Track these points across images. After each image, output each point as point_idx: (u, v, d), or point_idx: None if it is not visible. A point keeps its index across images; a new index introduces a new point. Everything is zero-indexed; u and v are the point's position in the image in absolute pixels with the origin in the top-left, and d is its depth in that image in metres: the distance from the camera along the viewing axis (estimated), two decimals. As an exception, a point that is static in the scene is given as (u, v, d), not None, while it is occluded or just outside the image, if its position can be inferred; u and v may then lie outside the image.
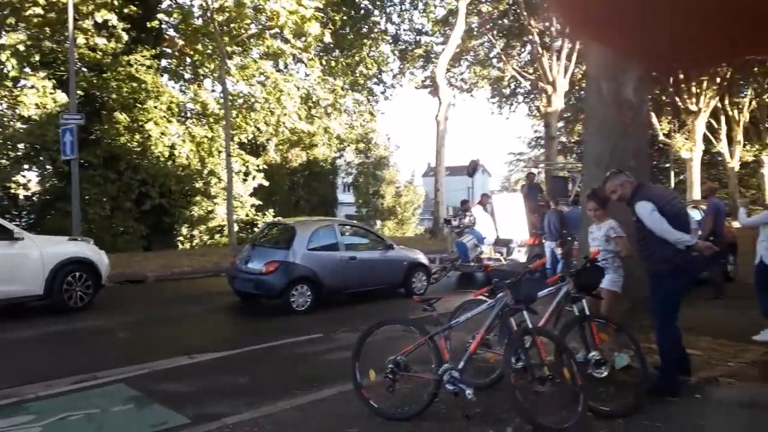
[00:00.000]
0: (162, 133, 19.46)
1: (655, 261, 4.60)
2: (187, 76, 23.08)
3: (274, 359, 6.42)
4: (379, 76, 28.69)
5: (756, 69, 28.08)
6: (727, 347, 5.88)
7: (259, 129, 21.49)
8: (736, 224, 10.84)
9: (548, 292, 5.11)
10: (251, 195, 21.32)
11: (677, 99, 27.98)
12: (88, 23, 17.57)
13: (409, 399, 4.49)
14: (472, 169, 14.62)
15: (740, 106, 30.97)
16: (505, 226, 11.59)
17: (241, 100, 21.09)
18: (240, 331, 8.28)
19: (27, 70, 17.41)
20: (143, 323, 8.43)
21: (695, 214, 10.47)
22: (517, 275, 4.69)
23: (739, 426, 4.22)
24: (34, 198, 19.56)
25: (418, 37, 28.11)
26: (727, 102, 30.34)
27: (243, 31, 17.81)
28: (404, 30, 28.14)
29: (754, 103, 31.01)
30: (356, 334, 5.45)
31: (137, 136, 19.03)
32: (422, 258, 10.77)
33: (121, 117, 18.73)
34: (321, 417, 4.35)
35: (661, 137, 29.95)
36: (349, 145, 28.43)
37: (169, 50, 21.84)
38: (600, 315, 4.96)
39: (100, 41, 17.50)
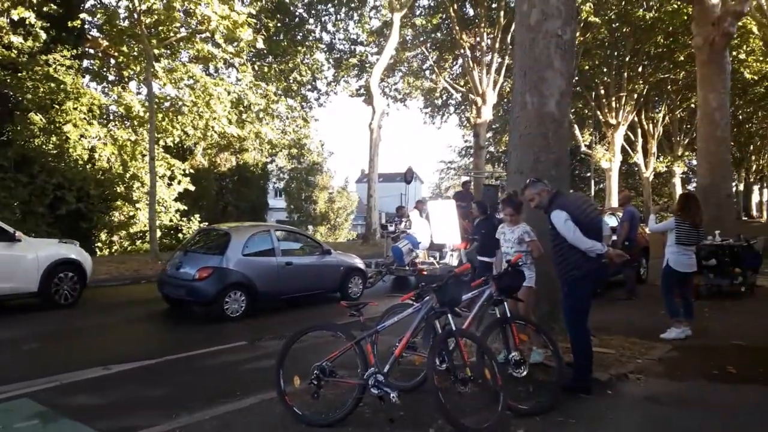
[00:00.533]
0: (81, 136, 18.50)
1: (567, 267, 4.81)
2: (111, 77, 22.08)
3: (196, 369, 6.19)
4: (313, 83, 28.59)
5: (669, 87, 30.16)
6: (638, 345, 6.22)
7: (186, 133, 20.82)
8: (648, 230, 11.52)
9: (472, 295, 5.24)
10: (176, 200, 20.61)
11: (598, 113, 29.53)
12: (2, 21, 16.51)
13: (333, 404, 4.46)
14: (409, 176, 14.83)
15: (655, 121, 33.10)
16: (439, 231, 11.83)
17: (168, 104, 20.37)
18: (160, 340, 7.94)
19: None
20: (53, 334, 7.92)
21: (612, 221, 11.06)
22: (442, 279, 4.76)
23: (644, 419, 4.45)
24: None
25: (352, 47, 28.24)
26: (643, 116, 32.34)
27: (172, 34, 17.23)
28: (339, 39, 28.31)
29: (667, 118, 33.23)
30: (282, 341, 5.36)
31: (54, 139, 18.01)
32: (359, 262, 10.86)
33: (37, 118, 17.68)
34: (242, 426, 4.24)
35: (583, 148, 31.49)
36: (281, 151, 28.06)
37: (92, 51, 20.83)
38: (520, 316, 5.13)
39: (16, 39, 16.44)
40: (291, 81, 26.91)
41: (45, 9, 16.90)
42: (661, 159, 35.89)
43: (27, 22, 16.08)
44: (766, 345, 6.63)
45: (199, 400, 4.94)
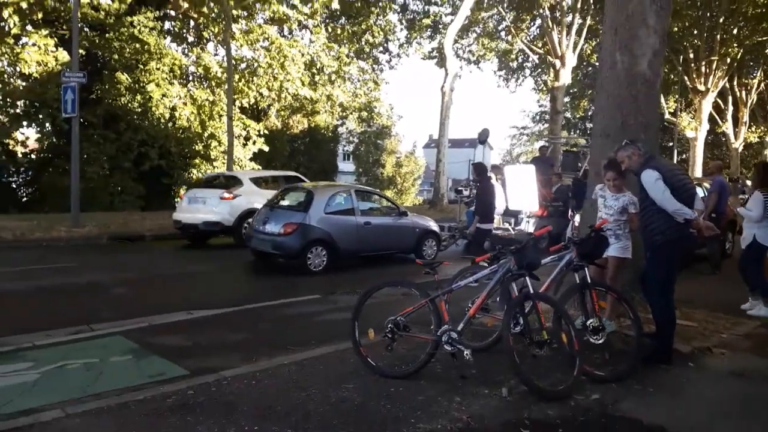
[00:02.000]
0: (163, 95, 19.27)
1: (651, 232, 4.61)
2: (190, 39, 22.74)
3: (273, 318, 6.44)
4: (386, 45, 28.29)
5: (767, 51, 27.73)
6: (722, 320, 5.93)
7: (261, 94, 21.26)
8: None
9: (551, 259, 5.11)
10: (251, 160, 21.21)
11: (686, 78, 27.66)
12: (92, -17, 17.24)
13: (406, 358, 4.52)
14: (483, 136, 14.53)
15: (749, 87, 30.65)
16: (516, 197, 11.63)
17: (244, 65, 20.80)
18: (241, 289, 8.30)
19: (29, 27, 17.12)
20: (141, 280, 8.45)
21: (699, 192, 10.42)
22: (521, 242, 4.66)
23: (726, 393, 4.25)
24: (32, 155, 19.44)
25: (426, 7, 27.60)
26: (735, 83, 30.02)
27: (250, -5, 17.45)
28: (413, -1, 27.60)
29: (762, 84, 30.68)
30: (354, 296, 5.46)
31: (138, 97, 18.85)
32: (433, 225, 11.02)
33: (123, 77, 18.53)
34: (318, 373, 4.38)
35: (667, 116, 29.68)
36: (351, 114, 28.16)
37: (173, 12, 21.45)
38: (602, 283, 4.97)
39: (104, 1, 17.18)
40: (363, 43, 26.76)
41: (131, -29, 17.54)
42: (753, 129, 33.32)
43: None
44: None
45: (276, 347, 5.14)
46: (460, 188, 13.13)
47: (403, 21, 27.85)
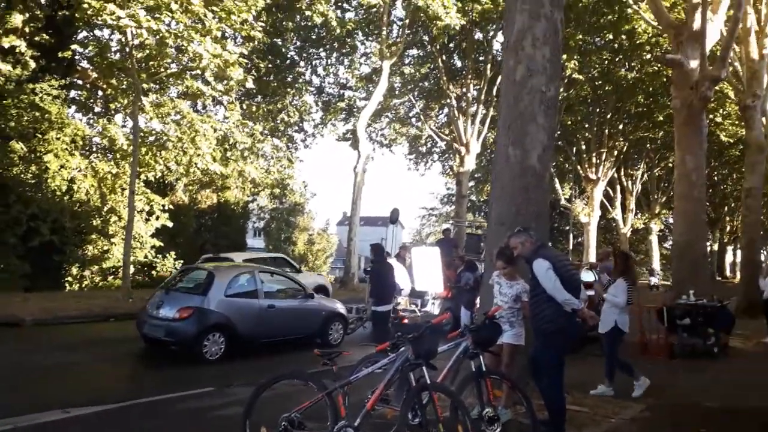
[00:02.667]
0: (62, 166, 18.29)
1: (542, 320, 4.82)
2: (97, 109, 22.04)
3: (160, 415, 5.95)
4: (301, 124, 28.80)
5: (648, 145, 31.05)
6: (611, 404, 6.15)
7: (169, 168, 20.70)
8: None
9: (448, 347, 5.15)
10: (153, 236, 20.29)
11: (579, 167, 30.15)
12: (-8, 49, 16.51)
13: (301, 459, 4.28)
14: (394, 216, 14.82)
15: (634, 178, 33.87)
16: (422, 278, 11.77)
17: (152, 138, 20.31)
18: (125, 382, 7.67)
19: None
20: (12, 373, 7.57)
21: (589, 276, 11.10)
22: (419, 330, 4.68)
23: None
24: None
25: (341, 91, 28.65)
26: (623, 173, 33.09)
27: (162, 69, 17.34)
28: (329, 83, 28.61)
29: (646, 175, 34.04)
30: (251, 387, 5.18)
31: (33, 168, 17.77)
32: (340, 308, 10.77)
33: (17, 146, 17.47)
34: (203, 478, 4.04)
35: (563, 201, 31.97)
36: (263, 190, 28.00)
37: (80, 82, 20.84)
38: (496, 371, 5.05)
39: (4, 67, 16.41)
40: (278, 121, 27.10)
41: (36, 38, 16.98)
42: (639, 216, 36.56)
43: (17, 51, 16.10)
44: (738, 407, 6.59)
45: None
46: (368, 268, 13.19)
47: (319, 103, 28.66)
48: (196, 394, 6.78)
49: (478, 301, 7.81)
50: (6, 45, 15.50)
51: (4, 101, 17.29)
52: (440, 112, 30.25)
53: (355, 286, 21.55)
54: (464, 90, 25.97)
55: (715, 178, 34.33)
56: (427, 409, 4.33)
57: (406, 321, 10.93)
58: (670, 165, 28.12)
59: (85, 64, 20.75)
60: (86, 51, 19.12)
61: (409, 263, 12.15)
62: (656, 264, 35.52)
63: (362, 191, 24.12)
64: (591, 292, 9.83)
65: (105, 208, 19.43)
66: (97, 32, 19.11)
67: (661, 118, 26.71)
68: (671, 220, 31.35)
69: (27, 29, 17.09)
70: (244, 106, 24.56)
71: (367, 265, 13.88)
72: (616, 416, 5.76)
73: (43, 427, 5.31)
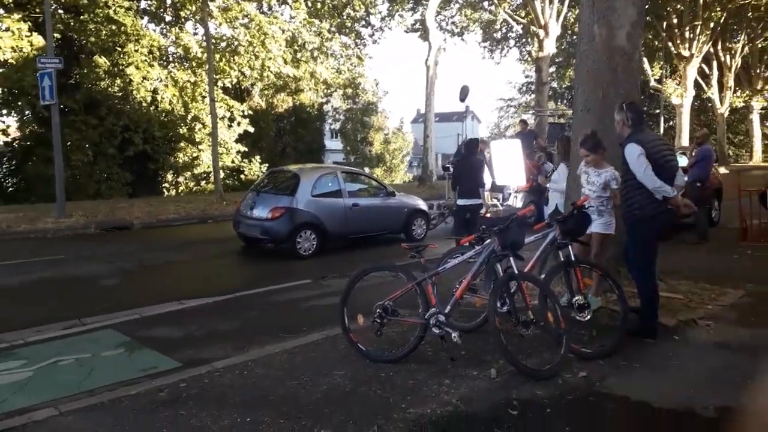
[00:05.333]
0: (144, 78, 18.96)
1: (630, 207, 4.67)
2: (168, 18, 22.25)
3: (264, 305, 6.47)
4: (367, 18, 27.80)
5: (750, 14, 27.68)
6: (708, 290, 6.01)
7: (243, 73, 20.95)
8: (723, 170, 10.78)
9: (535, 238, 5.15)
10: (237, 141, 21.02)
11: (670, 44, 27.58)
12: (63, -37, 16.78)
13: (396, 342, 4.58)
14: (464, 94, 14.38)
15: (733, 52, 30.65)
16: (503, 172, 11.61)
17: (224, 44, 20.42)
18: (229, 277, 8.31)
19: (0, 11, 16.67)
20: (131, 270, 8.43)
21: (683, 160, 10.50)
22: (504, 222, 4.69)
23: (711, 365, 4.34)
24: (14, 144, 19.15)
25: (408, -23, 27.10)
26: (719, 47, 29.99)
27: (225, -30, 17.05)
28: (393, -31, 27.11)
29: (746, 48, 30.67)
30: (344, 279, 5.49)
31: (118, 81, 18.55)
32: (422, 204, 11.02)
33: (101, 61, 18.18)
34: (309, 360, 4.43)
35: (653, 83, 29.69)
36: (336, 91, 27.88)
37: (147, -9, 20.96)
38: (586, 260, 5.02)
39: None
40: (344, 17, 26.31)
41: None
42: (739, 94, 33.43)
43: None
44: None
45: (268, 334, 5.19)
46: (447, 165, 13.12)
47: (384, -7, 27.38)
48: (294, 286, 7.29)
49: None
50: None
51: (82, 17, 17.78)
52: (515, -8, 28.09)
53: (434, 184, 21.61)
54: (541, -34, 23.80)
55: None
56: (516, 298, 4.43)
57: (488, 215, 10.93)
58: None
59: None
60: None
61: (489, 158, 11.91)
62: (758, 145, 32.92)
63: (435, 86, 23.46)
64: (686, 177, 9.36)
65: (189, 117, 20.19)
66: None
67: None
68: (776, 97, 28.60)
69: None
70: (309, 4, 23.93)
71: (446, 162, 13.79)
72: (712, 302, 5.65)
73: (164, 317, 5.94)
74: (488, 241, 4.62)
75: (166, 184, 20.75)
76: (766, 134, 37.06)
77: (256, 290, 6.99)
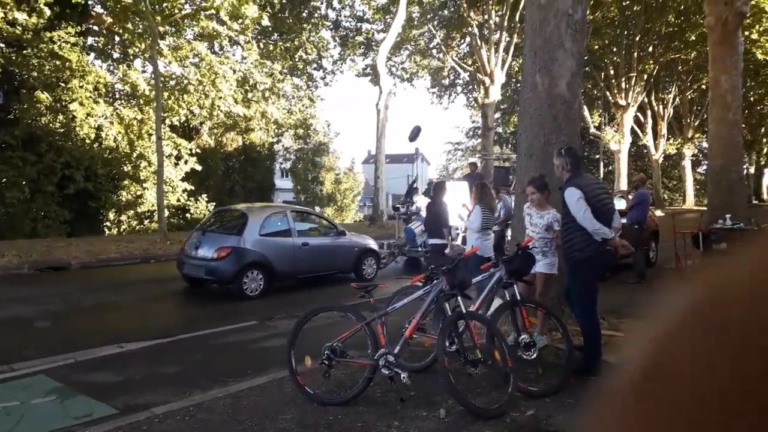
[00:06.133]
0: (88, 114, 18.49)
1: (571, 248, 4.84)
2: (115, 55, 21.97)
3: (208, 348, 6.26)
4: (319, 61, 28.32)
5: (680, 67, 29.76)
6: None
7: (192, 112, 20.75)
8: (659, 213, 11.29)
9: (482, 277, 5.25)
10: (183, 180, 20.64)
11: (608, 93, 29.22)
12: (6, -3, 16.39)
13: (344, 384, 4.51)
14: (414, 134, 14.67)
15: (665, 102, 32.74)
16: (451, 212, 11.80)
17: (173, 82, 20.26)
18: (172, 318, 8.03)
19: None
20: (67, 312, 8.02)
21: (621, 203, 10.99)
22: (452, 262, 4.77)
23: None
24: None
25: (359, 24, 27.86)
26: (653, 97, 31.99)
27: (176, 10, 17.06)
28: (345, 16, 27.86)
29: (677, 99, 32.85)
30: (292, 320, 5.41)
31: (60, 117, 18.01)
32: (372, 244, 11.02)
33: (43, 96, 17.66)
34: (254, 404, 4.30)
35: (593, 129, 31.22)
36: (287, 130, 27.95)
37: (96, 27, 20.66)
38: (531, 299, 5.14)
39: (20, 16, 16.33)
40: (297, 59, 26.69)
41: (49, -15, 16.77)
42: (671, 141, 35.57)
43: (30, -1, 15.98)
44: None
45: (211, 378, 5.01)
46: (397, 205, 13.27)
47: (336, 38, 28.03)
48: (240, 327, 7.10)
49: (509, 233, 7.86)
50: (19, -7, 15.38)
51: (24, 51, 17.33)
52: (462, 41, 29.26)
53: (384, 224, 21.75)
54: (486, 17, 24.96)
55: (751, 98, 32.93)
56: (464, 337, 4.47)
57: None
58: (704, 87, 27.01)
59: (99, 9, 20.50)
60: (99, -5, 18.81)
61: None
62: (690, 189, 34.90)
63: (386, 128, 23.88)
64: (624, 220, 9.78)
65: (134, 154, 19.74)
66: (110, -25, 18.70)
67: (693, 38, 25.49)
68: (705, 145, 30.52)
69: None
70: (261, 46, 24.18)
71: (397, 202, 13.96)
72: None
73: (101, 361, 5.65)
74: (437, 280, 4.68)
75: (108, 223, 20.04)
76: (697, 179, 39.40)
77: (199, 332, 6.76)
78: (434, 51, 29.75)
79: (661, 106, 32.75)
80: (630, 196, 10.76)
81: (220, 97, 19.93)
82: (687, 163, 35.62)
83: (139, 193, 19.99)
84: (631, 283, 9.57)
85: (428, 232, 8.72)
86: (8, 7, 16.41)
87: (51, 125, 17.89)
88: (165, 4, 16.78)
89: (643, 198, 9.98)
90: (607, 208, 4.93)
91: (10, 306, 8.25)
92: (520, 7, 20.97)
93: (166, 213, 18.29)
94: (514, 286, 4.87)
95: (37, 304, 8.31)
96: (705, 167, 33.06)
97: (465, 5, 24.37)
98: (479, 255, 6.30)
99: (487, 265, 5.38)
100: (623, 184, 27.17)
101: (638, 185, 10.58)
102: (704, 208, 15.39)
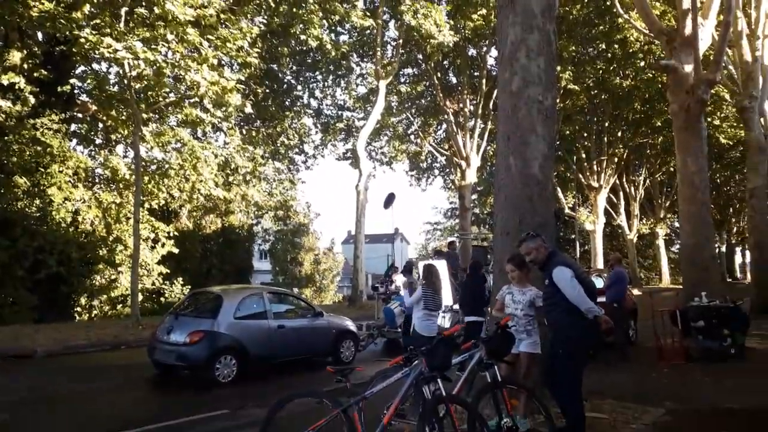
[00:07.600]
0: (66, 199, 18.40)
1: (562, 329, 4.73)
2: (98, 141, 22.23)
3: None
4: (301, 146, 29.01)
5: (648, 151, 31.10)
6: (631, 410, 6.08)
7: (172, 195, 20.80)
8: (636, 291, 11.37)
9: (462, 358, 5.12)
10: (159, 263, 20.32)
11: (581, 176, 30.19)
12: (-8, 85, 16.72)
13: (318, 477, 4.23)
14: (388, 201, 14.77)
15: (636, 184, 33.88)
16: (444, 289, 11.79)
17: (154, 166, 20.45)
18: (140, 408, 7.58)
19: None
20: (27, 403, 7.55)
21: (598, 282, 11.06)
22: (431, 343, 4.66)
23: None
24: None
25: (339, 112, 28.91)
26: (624, 180, 33.12)
27: (161, 98, 17.50)
28: (326, 105, 28.90)
29: (648, 181, 34.05)
30: (264, 409, 5.14)
31: (37, 201, 17.88)
32: (351, 325, 10.77)
33: (21, 181, 17.61)
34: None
35: (567, 210, 31.96)
36: (267, 212, 28.08)
37: (80, 115, 21.03)
38: (513, 380, 5.00)
39: (4, 104, 16.60)
40: (279, 145, 27.29)
41: (35, 74, 17.19)
42: (644, 221, 36.49)
43: (17, 87, 16.28)
44: (759, 408, 6.51)
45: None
46: (377, 284, 13.18)
47: (318, 125, 28.94)
48: (211, 417, 6.72)
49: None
50: (5, 82, 15.69)
51: (6, 137, 17.46)
52: (438, 127, 30.46)
53: (364, 304, 21.46)
54: (461, 105, 26.15)
55: (718, 180, 34.33)
56: (445, 422, 4.29)
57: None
58: (672, 169, 28.16)
59: (84, 97, 20.95)
60: (85, 84, 19.22)
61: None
62: (665, 268, 35.39)
63: (365, 209, 24.13)
64: (602, 299, 9.80)
65: (111, 238, 19.50)
66: (95, 66, 19.27)
67: (659, 124, 26.83)
68: (677, 224, 31.30)
69: (25, 65, 17.35)
70: (244, 132, 24.75)
71: (376, 282, 13.87)
72: (636, 422, 5.69)
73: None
74: (416, 362, 4.55)
75: (79, 308, 19.41)
76: (672, 258, 40.07)
77: (167, 423, 6.37)
78: (412, 137, 30.82)
79: (632, 188, 33.87)
80: (605, 275, 10.84)
81: (201, 181, 20.09)
82: (661, 243, 36.38)
83: (113, 277, 19.56)
84: (612, 363, 9.43)
85: (463, 308, 9.00)
86: (-8, 95, 16.71)
87: (27, 209, 17.72)
88: (150, 93, 17.22)
89: (621, 276, 10.06)
90: (592, 286, 4.93)
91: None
92: (493, 96, 22.01)
93: (140, 297, 17.83)
94: (495, 367, 4.75)
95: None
96: (678, 246, 33.70)
97: (441, 95, 25.56)
98: (425, 335, 6.76)
99: (467, 346, 5.27)
100: (600, 263, 27.49)
101: (614, 264, 10.69)
102: (680, 286, 15.53)
